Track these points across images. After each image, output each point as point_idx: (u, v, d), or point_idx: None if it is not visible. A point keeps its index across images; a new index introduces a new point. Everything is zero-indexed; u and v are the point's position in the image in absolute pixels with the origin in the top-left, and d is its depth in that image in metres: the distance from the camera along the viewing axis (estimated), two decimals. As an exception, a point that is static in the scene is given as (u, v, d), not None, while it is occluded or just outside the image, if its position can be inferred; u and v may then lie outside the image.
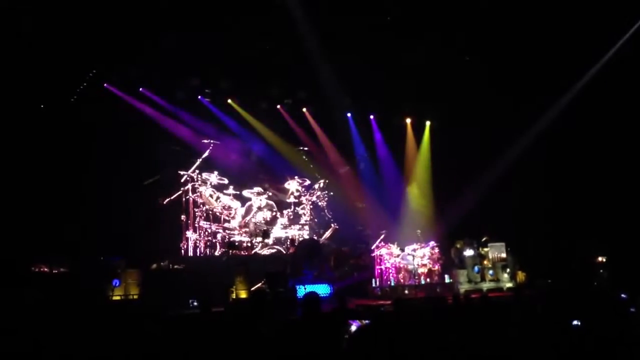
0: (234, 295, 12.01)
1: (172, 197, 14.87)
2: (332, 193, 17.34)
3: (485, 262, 14.66)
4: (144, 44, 13.58)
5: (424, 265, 14.50)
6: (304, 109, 17.68)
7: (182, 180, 15.26)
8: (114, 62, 14.34)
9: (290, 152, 17.20)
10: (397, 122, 18.93)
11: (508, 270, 14.51)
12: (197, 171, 15.48)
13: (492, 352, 4.58)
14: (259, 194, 16.29)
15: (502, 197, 16.40)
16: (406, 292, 13.62)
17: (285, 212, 16.68)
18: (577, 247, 15.27)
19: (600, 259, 14.98)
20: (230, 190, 15.96)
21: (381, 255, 14.68)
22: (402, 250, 14.65)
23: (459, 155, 16.71)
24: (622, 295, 7.53)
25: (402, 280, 14.42)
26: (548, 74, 15.27)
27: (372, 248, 15.02)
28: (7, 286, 9.72)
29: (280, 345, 3.44)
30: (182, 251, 14.79)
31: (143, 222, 13.69)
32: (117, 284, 11.56)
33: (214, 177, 15.71)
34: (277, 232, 16.21)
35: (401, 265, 14.56)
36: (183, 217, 15.05)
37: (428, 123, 18.90)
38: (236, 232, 15.61)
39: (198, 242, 15.04)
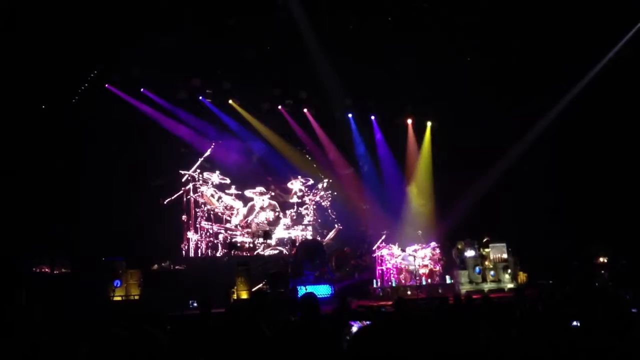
0: (234, 296, 12.02)
1: (172, 197, 14.73)
2: (335, 193, 17.18)
3: (486, 262, 14.66)
4: (145, 45, 13.59)
5: (425, 266, 14.50)
6: (305, 110, 17.68)
7: (183, 180, 15.10)
8: (115, 63, 14.36)
9: (292, 152, 17.16)
10: (398, 122, 18.93)
11: (509, 270, 14.51)
12: (198, 171, 15.31)
13: (492, 353, 4.58)
14: (261, 193, 16.09)
15: (503, 197, 16.41)
16: (409, 292, 13.61)
17: (288, 212, 16.49)
18: (579, 247, 15.26)
19: (601, 259, 14.97)
20: (232, 190, 15.75)
21: (382, 256, 14.66)
22: (403, 251, 14.63)
23: (460, 155, 16.71)
24: (624, 296, 7.53)
25: (403, 281, 14.40)
26: (549, 74, 15.28)
27: (373, 249, 14.99)
28: (7, 286, 9.73)
29: (281, 345, 3.43)
30: (183, 252, 14.67)
31: (144, 223, 13.69)
32: (118, 285, 11.57)
33: (215, 177, 15.52)
34: (279, 232, 16.01)
35: (402, 266, 14.55)
36: (184, 217, 14.89)
37: (429, 123, 18.90)
38: (238, 232, 15.45)
39: (199, 242, 14.86)
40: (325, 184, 17.07)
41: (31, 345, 3.64)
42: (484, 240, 15.04)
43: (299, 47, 14.49)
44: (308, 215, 16.59)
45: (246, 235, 15.45)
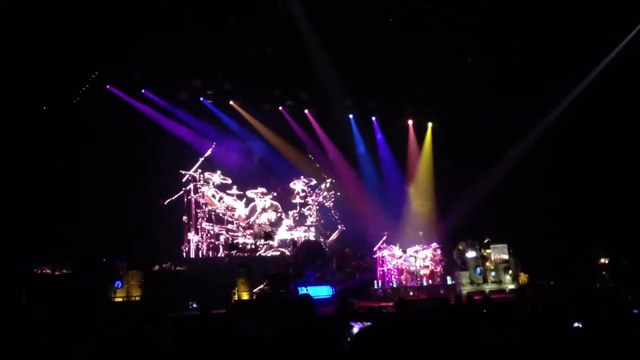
0: (235, 297, 12.02)
1: (173, 198, 14.51)
2: (338, 193, 16.94)
3: (487, 263, 14.66)
4: (145, 46, 13.60)
5: (426, 266, 14.50)
6: (306, 111, 17.68)
7: (184, 180, 14.86)
8: (116, 64, 14.38)
9: (293, 153, 17.12)
10: (399, 123, 18.94)
11: (510, 271, 14.51)
12: (199, 170, 15.04)
13: (493, 354, 4.57)
14: (263, 194, 15.81)
15: (504, 198, 16.41)
16: (411, 293, 13.61)
17: (290, 213, 16.19)
18: (580, 248, 15.26)
19: (602, 260, 14.96)
20: (234, 190, 15.50)
21: (383, 257, 14.66)
22: (404, 251, 14.63)
23: (461, 156, 16.72)
24: (625, 297, 7.52)
25: (404, 282, 14.40)
26: (549, 75, 15.28)
27: (374, 250, 14.98)
28: (8, 287, 9.74)
29: (282, 346, 3.43)
30: (184, 254, 14.49)
31: (145, 224, 13.68)
32: (119, 286, 11.57)
33: (216, 177, 15.25)
34: (282, 233, 15.77)
35: (403, 267, 14.55)
36: (185, 218, 14.69)
37: (430, 124, 18.91)
38: (240, 233, 15.26)
39: (200, 244, 14.64)
40: (328, 184, 16.78)
41: (31, 345, 3.64)
42: (485, 241, 15.05)
43: (299, 47, 14.49)
44: (311, 216, 16.29)
45: (248, 237, 15.24)
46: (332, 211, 16.65)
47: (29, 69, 12.31)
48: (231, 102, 16.50)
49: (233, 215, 15.44)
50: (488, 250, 14.84)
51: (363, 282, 14.82)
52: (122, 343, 2.95)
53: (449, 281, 14.22)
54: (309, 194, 16.45)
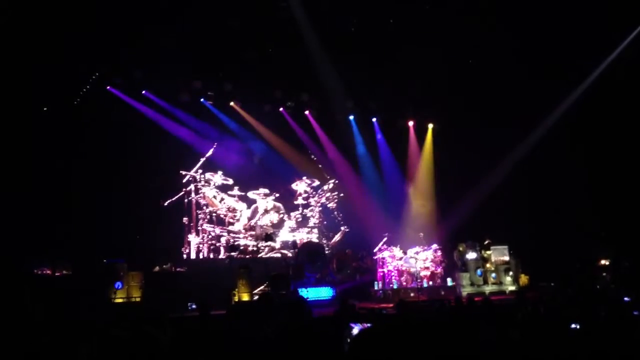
0: (236, 298, 12.01)
1: (173, 199, 14.39)
2: (342, 195, 16.83)
3: (487, 265, 14.66)
4: (146, 47, 13.62)
5: (427, 268, 14.50)
6: (306, 112, 17.69)
7: (185, 181, 14.72)
8: (117, 65, 14.38)
9: (295, 153, 17.10)
10: (400, 124, 18.94)
11: (511, 273, 14.50)
12: (200, 171, 14.89)
13: (494, 355, 4.57)
14: (265, 195, 15.71)
15: (504, 199, 16.40)
16: (411, 294, 13.60)
17: (292, 214, 16.08)
18: (581, 249, 15.26)
19: (603, 261, 14.96)
20: (235, 191, 15.37)
21: (383, 258, 14.66)
22: (405, 253, 14.62)
23: (461, 158, 16.72)
24: (625, 298, 7.51)
25: (404, 283, 14.40)
26: (551, 76, 15.28)
27: (375, 251, 14.98)
28: (9, 287, 9.73)
29: (282, 347, 3.42)
30: (185, 255, 14.37)
31: (146, 225, 13.68)
32: (119, 287, 11.56)
33: (218, 177, 15.11)
34: (284, 235, 15.64)
35: (403, 268, 14.55)
36: (185, 219, 14.55)
37: (430, 126, 18.92)
38: (241, 235, 15.13)
39: (201, 246, 14.49)
40: (331, 185, 16.68)
41: (32, 345, 3.64)
42: (486, 242, 15.05)
43: (300, 48, 14.50)
44: (313, 217, 16.17)
45: (250, 238, 15.13)
46: (335, 212, 16.53)
47: (29, 70, 12.32)
48: (232, 103, 16.50)
49: (234, 216, 15.29)
50: (488, 252, 14.84)
51: (363, 283, 14.82)
52: (122, 343, 2.95)
53: (450, 282, 14.21)
54: (311, 195, 16.32)
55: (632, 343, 4.57)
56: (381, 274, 14.60)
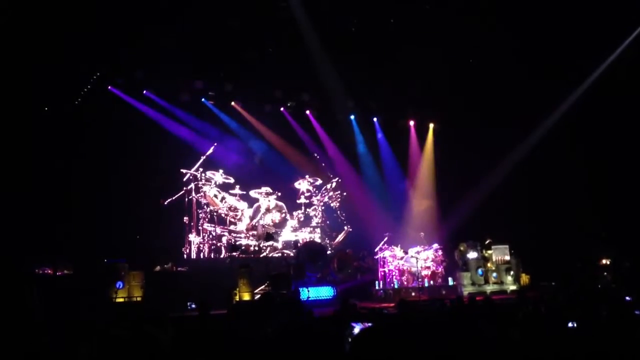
0: (237, 298, 12.01)
1: (173, 198, 14.19)
2: (345, 193, 16.53)
3: (488, 264, 14.63)
4: (147, 47, 13.63)
5: (427, 267, 14.48)
6: (307, 112, 17.69)
7: (185, 179, 14.50)
8: (118, 65, 14.39)
9: (296, 153, 17.08)
10: (401, 124, 18.94)
11: (512, 272, 14.48)
12: (200, 169, 14.64)
13: (494, 355, 4.56)
14: (267, 194, 15.44)
15: (505, 199, 16.40)
16: (412, 294, 13.60)
17: (295, 213, 15.81)
18: (582, 249, 15.25)
19: (604, 261, 14.95)
20: (237, 190, 15.14)
21: (384, 258, 14.65)
22: (406, 252, 14.61)
23: (462, 157, 16.72)
24: (627, 298, 7.51)
25: (405, 283, 14.39)
26: (551, 76, 15.28)
27: (376, 250, 14.96)
28: (10, 287, 9.74)
29: (283, 347, 3.42)
30: (185, 255, 14.23)
31: (147, 224, 13.68)
32: (120, 286, 11.56)
33: (219, 176, 14.87)
34: (286, 235, 15.42)
35: (404, 268, 14.54)
36: (186, 218, 14.37)
37: (431, 125, 18.92)
38: (242, 235, 14.96)
39: (202, 246, 14.27)
40: (334, 184, 16.36)
41: (32, 345, 3.64)
42: (487, 242, 15.02)
43: (300, 48, 14.50)
44: (316, 216, 15.84)
45: (251, 238, 14.94)
46: (338, 212, 16.30)
47: (30, 70, 12.33)
48: (232, 103, 16.50)
49: (236, 215, 15.10)
50: (489, 251, 14.81)
51: (364, 282, 14.80)
52: (122, 343, 2.95)
53: (451, 282, 14.19)
54: (314, 194, 16.04)
55: (634, 343, 4.57)
56: (382, 273, 14.59)
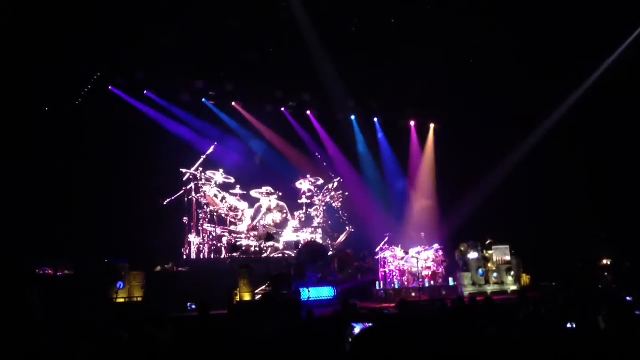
0: (237, 298, 12.00)
1: (172, 198, 14.00)
2: (347, 193, 16.32)
3: (489, 264, 14.62)
4: (147, 47, 13.64)
5: (428, 268, 14.47)
6: (308, 112, 17.69)
7: (185, 179, 14.31)
8: (118, 65, 14.40)
9: (295, 153, 17.07)
10: (401, 124, 18.94)
11: (512, 272, 14.47)
12: (200, 169, 14.43)
13: (495, 355, 4.56)
14: (268, 193, 15.24)
15: (505, 199, 16.40)
16: (413, 294, 13.59)
17: (296, 214, 15.59)
18: (582, 249, 15.25)
19: (605, 261, 14.95)
20: (237, 190, 14.96)
21: (385, 258, 14.64)
22: (406, 252, 14.60)
23: (463, 157, 16.72)
24: (627, 298, 7.51)
25: (406, 283, 14.39)
26: (551, 76, 15.28)
27: (376, 251, 14.96)
28: (11, 288, 9.74)
29: (283, 347, 3.42)
30: (185, 256, 14.07)
31: (148, 224, 13.66)
32: (121, 286, 11.56)
33: (219, 176, 14.70)
34: (288, 235, 15.22)
35: (405, 268, 14.54)
36: (185, 219, 14.18)
37: (432, 125, 18.92)
38: (243, 235, 14.80)
39: (202, 246, 14.08)
40: (335, 184, 16.12)
41: (32, 345, 3.64)
42: (487, 242, 15.01)
43: (301, 48, 14.50)
44: (318, 217, 15.62)
45: (252, 239, 14.78)
46: (340, 212, 16.09)
47: (30, 70, 12.34)
48: (233, 103, 16.50)
49: (236, 215, 14.92)
50: (490, 252, 14.80)
51: (365, 283, 14.79)
52: (123, 344, 2.95)
53: (451, 282, 14.18)
54: (315, 194, 15.83)
55: (634, 343, 4.56)
56: (383, 273, 14.59)
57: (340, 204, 16.13)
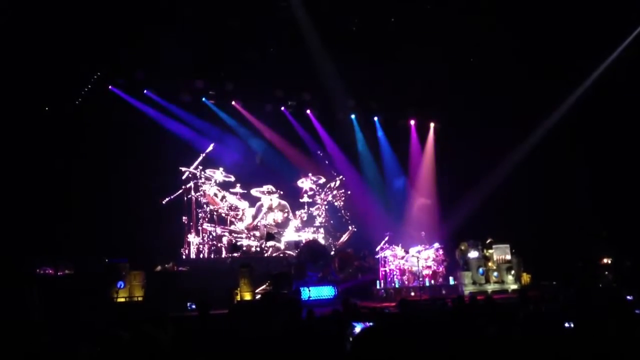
0: (238, 297, 12.00)
1: (171, 197, 13.88)
2: (349, 192, 16.15)
3: (489, 263, 14.63)
4: (147, 47, 13.64)
5: (428, 267, 14.47)
6: (308, 111, 17.69)
7: (184, 178, 14.13)
8: (118, 65, 14.40)
9: (295, 153, 17.05)
10: (401, 123, 18.94)
11: (513, 272, 14.47)
12: (200, 167, 14.25)
13: (495, 354, 4.56)
14: (269, 192, 15.03)
15: (506, 198, 16.40)
16: (413, 293, 13.60)
17: (298, 213, 15.36)
18: (582, 248, 15.25)
19: (605, 260, 14.95)
20: (238, 189, 14.76)
21: (385, 257, 14.64)
22: (407, 252, 14.60)
23: (463, 156, 16.72)
24: (628, 297, 7.50)
25: (406, 282, 14.38)
26: (551, 76, 15.27)
27: (377, 250, 14.95)
28: (11, 288, 9.75)
29: (284, 346, 3.42)
30: (184, 256, 13.94)
31: (148, 224, 13.66)
32: (121, 286, 11.55)
33: (219, 174, 14.53)
34: (289, 235, 14.99)
35: (405, 267, 14.54)
36: (185, 218, 14.04)
37: (432, 124, 18.92)
38: (244, 235, 14.65)
39: (201, 246, 13.92)
40: (337, 183, 15.95)
41: (32, 345, 3.64)
42: (487, 241, 15.01)
43: (301, 48, 14.51)
44: (320, 216, 15.42)
45: (252, 239, 14.63)
46: (342, 211, 15.94)
47: (31, 70, 12.34)
48: (233, 103, 16.50)
49: (236, 215, 14.74)
50: (490, 251, 14.81)
51: (365, 282, 14.79)
52: (123, 343, 2.95)
53: (452, 281, 14.18)
54: (317, 193, 15.63)
55: (635, 342, 4.56)
56: (383, 273, 14.58)
57: (342, 203, 15.99)
